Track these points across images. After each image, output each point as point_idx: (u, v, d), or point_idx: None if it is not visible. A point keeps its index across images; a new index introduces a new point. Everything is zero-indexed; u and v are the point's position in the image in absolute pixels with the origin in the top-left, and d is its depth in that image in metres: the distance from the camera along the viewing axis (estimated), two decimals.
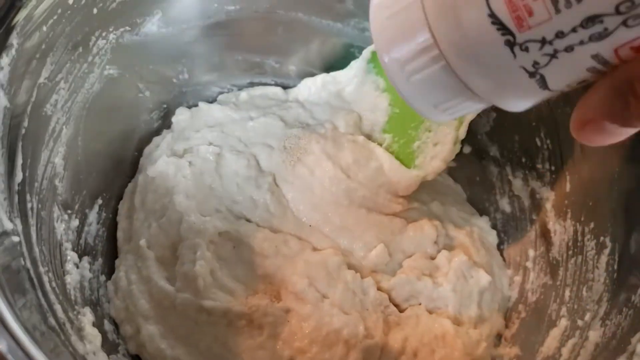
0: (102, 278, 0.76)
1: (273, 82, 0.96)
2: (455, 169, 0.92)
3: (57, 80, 0.68)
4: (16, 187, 0.60)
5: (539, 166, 0.80)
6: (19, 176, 0.60)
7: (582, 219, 0.72)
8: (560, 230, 0.76)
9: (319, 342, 0.69)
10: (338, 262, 0.74)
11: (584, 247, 0.71)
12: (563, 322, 0.69)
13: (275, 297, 0.73)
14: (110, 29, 0.74)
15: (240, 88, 0.95)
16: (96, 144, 0.78)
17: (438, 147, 0.79)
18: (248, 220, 0.79)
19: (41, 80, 0.65)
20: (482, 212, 0.89)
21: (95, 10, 0.70)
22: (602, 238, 0.68)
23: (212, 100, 0.93)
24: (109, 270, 0.78)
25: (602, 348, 0.60)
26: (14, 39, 0.58)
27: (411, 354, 0.70)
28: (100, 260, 0.77)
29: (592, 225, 0.70)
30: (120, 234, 0.80)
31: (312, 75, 0.93)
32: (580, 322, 0.66)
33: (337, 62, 0.93)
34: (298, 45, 0.93)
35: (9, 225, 0.56)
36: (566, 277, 0.72)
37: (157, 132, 0.89)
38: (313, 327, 0.69)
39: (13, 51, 0.58)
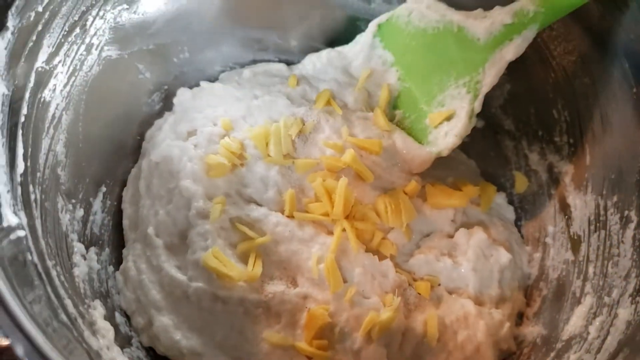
0: (111, 269, 0.73)
1: (276, 59, 0.92)
2: (468, 144, 0.88)
3: (55, 63, 0.64)
4: (19, 179, 0.57)
5: (557, 139, 0.78)
6: (20, 167, 0.57)
7: (604, 192, 0.70)
8: (581, 205, 0.74)
9: (339, 329, 0.67)
10: (355, 245, 0.72)
11: (607, 222, 0.69)
12: (588, 300, 0.67)
13: (292, 283, 0.70)
14: (108, 8, 0.71)
15: (242, 66, 0.91)
16: (97, 129, 0.75)
17: (452, 121, 0.76)
18: (258, 205, 0.75)
19: (38, 64, 0.61)
20: (497, 188, 0.86)
21: None
22: (626, 212, 0.66)
23: (213, 80, 0.89)
24: (117, 260, 0.75)
25: (635, 326, 0.58)
26: (9, 21, 0.54)
27: (433, 336, 0.68)
28: (107, 250, 0.74)
29: (615, 198, 0.68)
30: (126, 222, 0.77)
31: (316, 50, 0.90)
32: (607, 299, 0.64)
33: (341, 36, 0.89)
34: (301, 19, 0.89)
35: (13, 220, 0.53)
36: (589, 253, 0.71)
37: (159, 114, 0.85)
38: (332, 313, 0.67)
39: (9, 34, 0.55)
